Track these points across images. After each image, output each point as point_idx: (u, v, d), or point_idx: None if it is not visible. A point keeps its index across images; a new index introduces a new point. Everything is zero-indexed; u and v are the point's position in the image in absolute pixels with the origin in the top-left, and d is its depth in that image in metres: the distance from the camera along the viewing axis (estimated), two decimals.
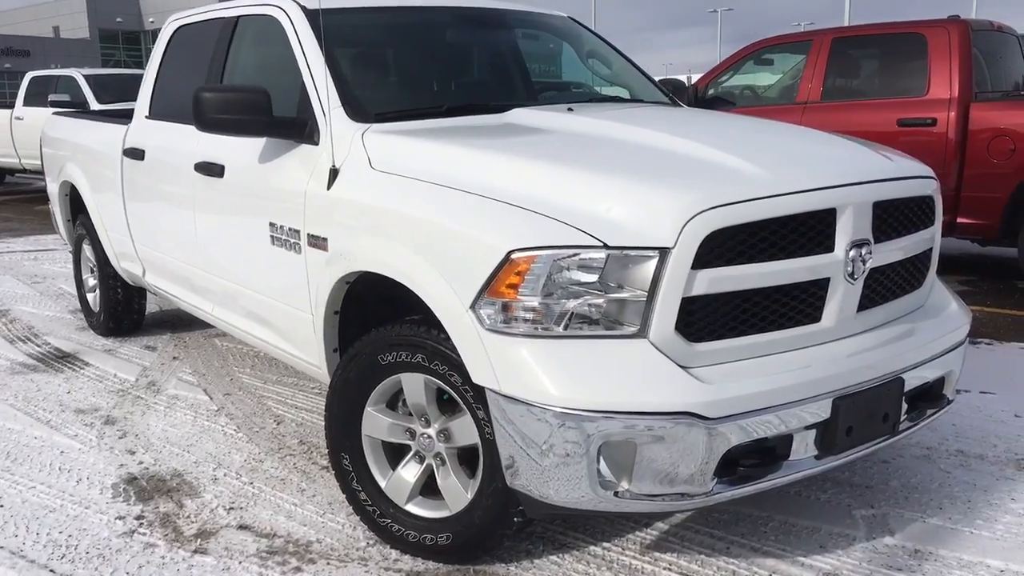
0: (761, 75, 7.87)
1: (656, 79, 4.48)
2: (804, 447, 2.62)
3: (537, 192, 2.57)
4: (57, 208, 6.18)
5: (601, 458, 2.38)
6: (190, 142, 4.04)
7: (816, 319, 2.66)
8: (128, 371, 5.04)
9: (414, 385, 2.83)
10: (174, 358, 5.26)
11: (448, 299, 2.57)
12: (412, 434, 2.93)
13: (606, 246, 2.38)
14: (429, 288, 2.64)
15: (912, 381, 2.81)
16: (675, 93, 4.43)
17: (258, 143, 3.54)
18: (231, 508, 3.33)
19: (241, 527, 3.19)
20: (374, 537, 3.05)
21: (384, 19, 3.88)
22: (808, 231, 2.57)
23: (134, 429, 4.14)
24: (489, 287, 2.46)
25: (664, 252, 2.37)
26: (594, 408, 2.34)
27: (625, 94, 4.23)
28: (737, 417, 2.40)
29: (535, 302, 2.41)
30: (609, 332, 2.42)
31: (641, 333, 2.42)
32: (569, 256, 2.39)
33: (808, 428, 2.60)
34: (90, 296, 5.91)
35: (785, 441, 2.56)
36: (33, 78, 14.61)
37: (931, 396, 3.01)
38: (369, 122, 3.22)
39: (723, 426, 2.39)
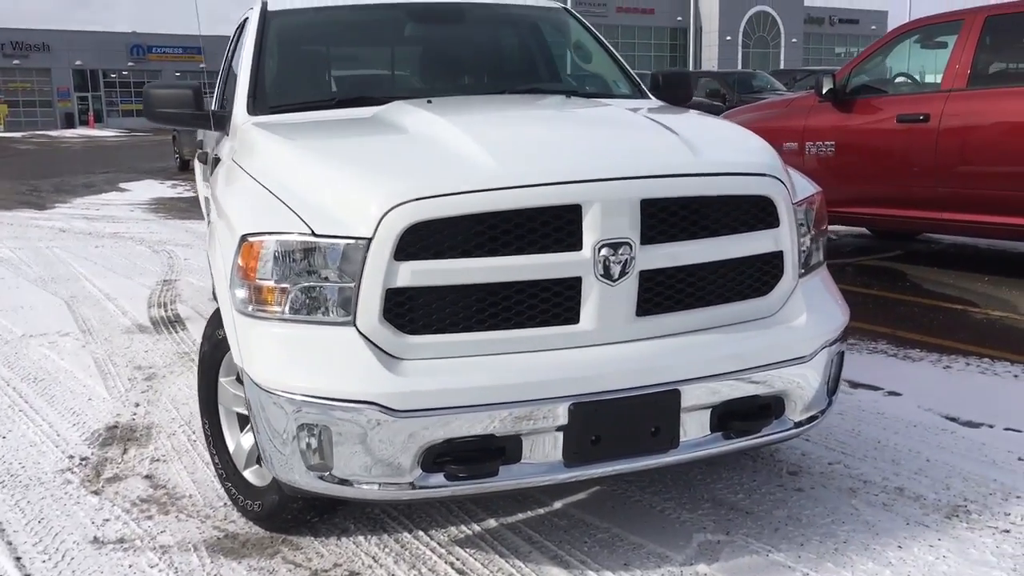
0: (923, 60, 7.02)
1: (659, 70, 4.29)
2: (547, 452, 2.51)
3: (296, 183, 2.69)
4: None
5: (303, 441, 2.46)
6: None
7: (574, 321, 2.53)
8: None
9: None
10: None
11: (222, 280, 2.75)
12: None
13: (314, 234, 2.45)
14: (215, 269, 2.84)
15: (702, 396, 2.57)
16: (671, 85, 4.20)
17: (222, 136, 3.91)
18: (157, 460, 3.73)
19: (146, 477, 3.57)
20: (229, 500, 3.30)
21: (334, 17, 4.09)
22: (546, 227, 2.45)
23: (160, 386, 4.70)
24: (236, 268, 2.62)
25: (369, 243, 2.40)
26: (294, 392, 2.44)
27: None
28: (431, 412, 2.38)
29: (267, 284, 2.54)
30: (324, 319, 2.49)
31: (352, 321, 2.46)
32: (290, 243, 2.49)
33: (558, 431, 2.49)
34: None
35: (514, 443, 2.47)
36: None
37: (760, 416, 2.71)
38: (264, 114, 3.46)
39: (414, 420, 2.37)
